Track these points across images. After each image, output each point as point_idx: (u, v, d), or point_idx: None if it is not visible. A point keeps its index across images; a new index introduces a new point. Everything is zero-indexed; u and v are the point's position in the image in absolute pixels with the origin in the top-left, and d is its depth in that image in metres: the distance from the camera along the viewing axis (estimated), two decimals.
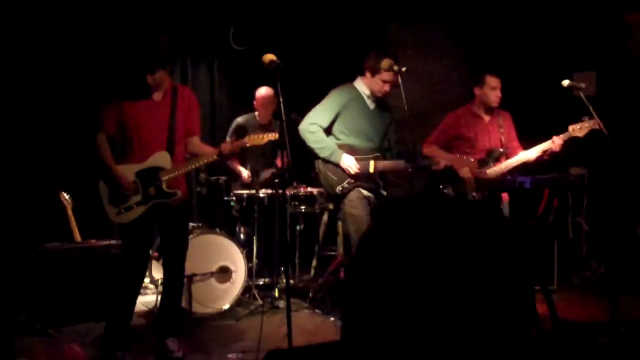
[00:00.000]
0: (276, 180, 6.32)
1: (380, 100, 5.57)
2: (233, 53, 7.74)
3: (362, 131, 5.45)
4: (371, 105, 5.53)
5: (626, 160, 6.93)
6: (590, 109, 5.44)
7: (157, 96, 4.75)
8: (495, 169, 5.85)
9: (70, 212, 6.29)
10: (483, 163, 5.93)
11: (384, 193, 5.61)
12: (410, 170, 5.11)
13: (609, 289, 5.94)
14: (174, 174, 4.75)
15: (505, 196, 5.84)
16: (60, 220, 6.30)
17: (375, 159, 5.41)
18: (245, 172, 6.93)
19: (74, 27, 6.79)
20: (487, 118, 6.08)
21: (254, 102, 7.13)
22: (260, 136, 5.03)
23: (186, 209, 5.02)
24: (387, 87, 5.44)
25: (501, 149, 5.97)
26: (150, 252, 5.47)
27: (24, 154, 6.49)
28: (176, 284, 4.95)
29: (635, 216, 6.75)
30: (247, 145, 4.99)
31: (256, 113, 7.13)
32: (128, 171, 4.69)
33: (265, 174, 6.91)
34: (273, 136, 5.04)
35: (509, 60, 7.62)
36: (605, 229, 7.05)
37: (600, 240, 7.07)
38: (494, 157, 5.93)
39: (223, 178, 6.88)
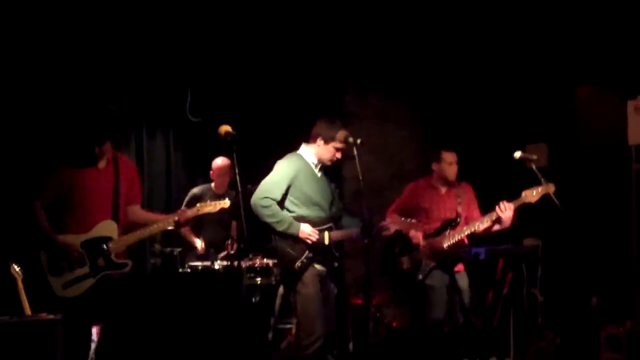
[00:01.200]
0: (232, 252, 6.27)
1: (325, 168, 5.49)
2: (189, 123, 7.75)
3: (313, 201, 5.31)
4: (318, 173, 5.41)
5: (578, 230, 7.04)
6: (542, 181, 5.52)
7: (101, 164, 4.66)
8: (449, 238, 5.85)
9: (20, 285, 6.12)
10: (438, 232, 5.96)
11: (336, 264, 5.50)
12: (365, 241, 5.03)
13: (565, 359, 5.96)
14: (124, 242, 4.64)
15: (461, 266, 5.85)
16: (10, 293, 6.13)
17: (329, 229, 5.29)
18: (199, 244, 6.86)
19: (27, 88, 6.71)
20: (443, 189, 6.14)
21: (210, 172, 7.12)
22: (213, 204, 5.03)
23: (131, 278, 4.79)
24: (338, 155, 5.36)
25: (457, 219, 6.01)
26: None
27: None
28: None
29: (588, 286, 6.82)
30: (199, 212, 4.94)
31: (212, 184, 7.12)
32: (72, 241, 4.52)
33: (221, 255, 6.83)
34: (225, 204, 5.04)
35: (464, 132, 7.75)
36: (560, 300, 7.09)
37: (555, 310, 7.10)
38: (449, 226, 5.96)
39: (178, 249, 6.81)
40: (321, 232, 5.24)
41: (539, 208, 5.73)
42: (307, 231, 5.18)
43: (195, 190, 7.13)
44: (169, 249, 6.83)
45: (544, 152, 7.55)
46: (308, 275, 5.18)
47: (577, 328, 6.67)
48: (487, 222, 5.72)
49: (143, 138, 7.87)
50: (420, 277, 5.82)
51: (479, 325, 5.90)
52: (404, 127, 8.27)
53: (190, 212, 4.93)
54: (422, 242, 5.82)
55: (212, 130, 4.50)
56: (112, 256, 4.59)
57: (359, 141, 5.15)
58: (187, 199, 7.10)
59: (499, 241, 5.91)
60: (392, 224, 5.58)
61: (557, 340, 6.96)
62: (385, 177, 8.08)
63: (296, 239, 5.19)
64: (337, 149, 5.31)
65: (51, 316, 5.64)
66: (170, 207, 7.73)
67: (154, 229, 4.83)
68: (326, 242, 5.25)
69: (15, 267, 6.12)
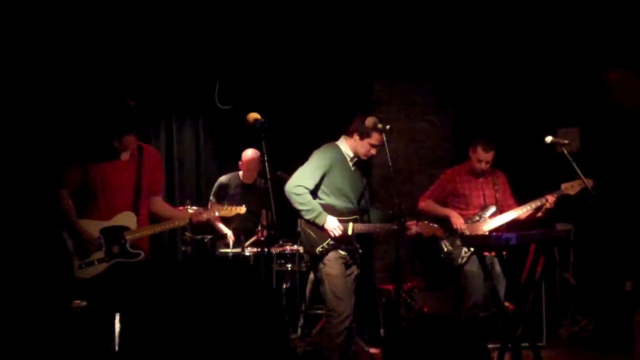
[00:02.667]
0: (262, 239, 6.28)
1: (359, 162, 5.54)
2: (218, 112, 7.77)
3: (343, 192, 5.39)
4: (352, 166, 5.48)
5: (611, 214, 6.97)
6: (574, 165, 5.48)
7: (124, 156, 4.73)
8: (489, 224, 5.94)
9: None
10: (477, 218, 5.99)
11: (360, 251, 5.53)
12: (395, 228, 5.07)
13: (598, 344, 5.92)
14: (140, 234, 4.71)
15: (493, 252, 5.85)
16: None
17: (354, 221, 5.36)
18: (229, 233, 6.88)
19: (54, 80, 6.78)
20: (481, 177, 6.14)
21: (240, 163, 7.13)
22: (229, 209, 5.25)
23: (147, 267, 4.84)
24: (373, 151, 5.40)
25: (495, 206, 6.02)
26: None
27: None
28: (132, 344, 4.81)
29: (622, 270, 6.75)
30: (214, 215, 5.05)
31: (240, 173, 7.13)
32: (92, 226, 4.63)
33: (250, 242, 6.86)
34: (241, 210, 5.17)
35: (493, 116, 7.70)
36: (593, 284, 7.04)
37: (588, 295, 7.05)
38: (488, 213, 5.99)
39: (208, 237, 6.85)
40: (346, 222, 5.31)
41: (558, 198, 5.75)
42: (332, 225, 5.26)
43: (223, 178, 7.15)
44: (199, 237, 6.87)
45: (576, 136, 7.47)
46: (331, 257, 5.27)
47: (610, 313, 6.61)
48: (530, 210, 5.85)
49: (173, 128, 7.91)
50: (460, 262, 5.85)
51: (511, 311, 5.87)
52: (433, 113, 8.22)
53: (205, 215, 5.04)
54: (463, 227, 5.92)
55: (242, 118, 4.52)
56: (127, 245, 4.67)
57: (388, 127, 5.20)
58: (215, 187, 7.12)
59: (530, 226, 5.89)
60: (424, 210, 5.61)
61: (590, 325, 6.92)
62: (414, 163, 8.05)
63: (321, 227, 5.28)
64: (372, 145, 5.35)
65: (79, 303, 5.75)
66: (200, 194, 7.79)
67: (168, 225, 4.93)
68: (349, 232, 5.32)
69: None
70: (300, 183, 5.28)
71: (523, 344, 5.04)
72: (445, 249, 6.03)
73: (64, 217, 4.64)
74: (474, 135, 6.29)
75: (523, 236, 5.04)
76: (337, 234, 5.24)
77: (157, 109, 7.67)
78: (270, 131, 4.35)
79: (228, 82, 7.72)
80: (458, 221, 5.97)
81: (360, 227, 5.40)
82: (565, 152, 5.52)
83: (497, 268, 5.96)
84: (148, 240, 4.87)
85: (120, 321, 4.90)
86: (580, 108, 7.61)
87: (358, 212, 5.43)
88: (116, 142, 4.62)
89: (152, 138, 7.60)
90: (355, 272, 5.44)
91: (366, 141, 5.33)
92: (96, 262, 4.61)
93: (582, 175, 5.52)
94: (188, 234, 6.86)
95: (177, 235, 7.55)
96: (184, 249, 6.99)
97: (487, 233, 5.76)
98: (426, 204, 6.18)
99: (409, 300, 6.88)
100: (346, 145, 5.46)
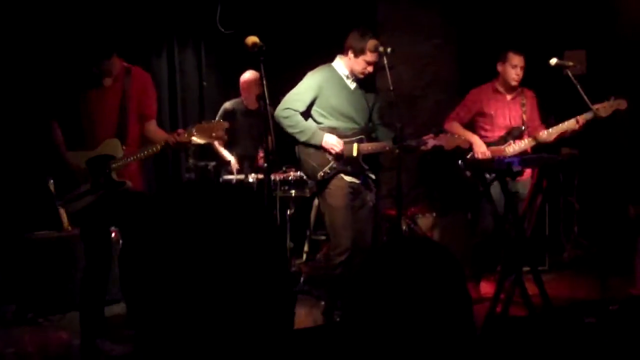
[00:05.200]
0: (264, 165, 6.27)
1: (363, 80, 5.40)
2: (221, 36, 7.67)
3: (343, 112, 5.25)
4: (351, 85, 5.32)
5: (616, 139, 6.93)
6: (578, 87, 5.42)
7: (107, 82, 4.62)
8: (514, 147, 5.84)
9: None
10: (502, 140, 5.90)
11: (373, 176, 5.47)
12: (397, 152, 5.00)
13: (600, 268, 5.95)
14: (123, 162, 4.58)
15: (526, 174, 5.73)
16: (48, 208, 6.25)
17: (359, 141, 5.21)
18: (232, 160, 6.84)
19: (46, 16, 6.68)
20: (509, 96, 6.04)
21: (240, 87, 7.07)
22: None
23: (142, 196, 4.73)
24: (370, 69, 5.26)
25: (522, 127, 5.94)
26: None
27: (11, 141, 6.44)
28: None
29: (626, 195, 6.74)
30: (190, 140, 4.73)
31: (242, 98, 7.07)
32: (78, 158, 4.57)
33: (259, 159, 6.82)
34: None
35: (498, 39, 7.57)
36: (597, 209, 7.05)
37: (592, 220, 7.06)
38: (514, 135, 5.90)
39: (212, 163, 6.84)
40: (350, 143, 5.19)
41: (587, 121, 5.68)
42: (330, 141, 5.13)
43: (227, 104, 7.09)
44: (203, 163, 6.86)
45: (582, 58, 7.37)
46: (334, 187, 5.16)
47: (613, 237, 6.63)
48: (556, 133, 5.73)
49: (175, 53, 7.83)
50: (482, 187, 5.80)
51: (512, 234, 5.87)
52: (438, 36, 8.09)
53: (183, 138, 4.61)
54: (486, 155, 5.76)
55: (244, 42, 4.46)
56: (112, 174, 4.56)
57: (389, 50, 5.07)
58: (219, 113, 7.07)
59: (535, 150, 5.86)
60: (449, 132, 5.51)
61: (593, 249, 6.96)
62: (419, 87, 7.96)
63: (320, 150, 5.16)
64: (368, 62, 5.22)
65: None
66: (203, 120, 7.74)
67: (149, 150, 4.63)
68: (354, 153, 5.17)
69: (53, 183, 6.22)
70: (287, 106, 5.20)
71: (525, 268, 5.06)
72: (468, 174, 5.89)
73: (55, 149, 4.60)
74: (480, 60, 6.21)
75: (526, 160, 5.01)
76: (337, 150, 5.11)
77: (158, 34, 7.57)
78: (273, 55, 4.30)
79: (230, 6, 7.60)
80: (480, 149, 5.80)
81: (367, 146, 5.26)
82: (570, 74, 5.45)
83: (522, 191, 5.83)
84: (138, 170, 4.81)
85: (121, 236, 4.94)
86: (588, 29, 7.48)
87: (364, 132, 5.30)
88: (94, 68, 4.54)
89: (154, 64, 7.52)
90: (370, 202, 5.36)
91: (361, 58, 5.20)
92: (83, 195, 4.56)
93: (586, 98, 5.44)
94: (192, 161, 6.86)
95: (181, 162, 7.55)
96: (187, 175, 6.99)
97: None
98: (450, 125, 6.00)
99: (412, 226, 6.91)
100: (341, 65, 5.33)
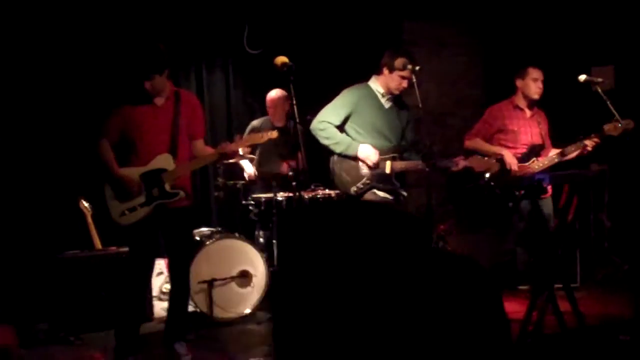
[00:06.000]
0: (293, 183, 6.28)
1: (397, 99, 5.50)
2: (248, 56, 7.73)
3: (378, 130, 5.36)
4: (386, 104, 5.45)
5: None
6: (608, 103, 5.41)
7: (158, 101, 4.79)
8: (539, 163, 5.84)
9: (90, 220, 6.30)
10: (525, 157, 5.89)
11: (405, 194, 5.51)
12: (427, 170, 5.03)
13: (633, 285, 5.88)
14: (177, 174, 4.77)
15: (549, 189, 5.78)
16: (80, 228, 6.32)
17: (392, 159, 5.31)
18: (247, 168, 6.84)
19: (83, 33, 6.78)
20: (529, 112, 6.05)
21: (267, 106, 7.11)
22: (260, 135, 5.14)
23: (191, 212, 5.00)
24: (405, 84, 5.36)
25: (544, 144, 5.94)
26: None
27: (44, 161, 6.52)
28: (182, 287, 4.98)
29: None
30: (247, 144, 5.05)
31: (269, 116, 7.11)
32: (132, 174, 4.73)
33: (282, 167, 6.83)
34: (273, 134, 5.11)
35: (525, 56, 7.56)
36: (628, 225, 6.98)
37: (623, 236, 6.99)
38: (535, 152, 5.89)
39: (241, 182, 6.86)
40: (383, 161, 5.26)
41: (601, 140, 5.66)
42: (366, 152, 5.21)
43: (255, 122, 7.13)
44: (231, 182, 6.88)
45: (610, 74, 7.33)
46: (367, 199, 5.23)
47: None
48: (576, 151, 5.76)
49: (203, 73, 7.89)
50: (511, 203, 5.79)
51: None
52: (463, 53, 8.10)
53: (237, 144, 5.06)
54: (517, 168, 5.79)
55: (271, 62, 4.50)
56: (166, 186, 4.74)
57: (417, 68, 5.14)
58: (247, 131, 7.10)
59: (565, 166, 5.83)
60: (471, 149, 5.54)
61: (624, 266, 6.88)
62: (446, 104, 7.97)
63: (354, 165, 5.25)
64: (403, 77, 5.32)
65: (120, 249, 5.86)
66: (232, 140, 7.77)
67: (202, 161, 5.02)
68: (387, 170, 5.27)
69: (84, 202, 6.30)
70: (323, 119, 5.35)
71: (556, 285, 5.02)
72: (497, 191, 5.88)
73: (105, 166, 4.74)
74: (506, 76, 6.20)
75: (557, 177, 4.99)
76: (374, 160, 5.19)
77: (187, 56, 7.64)
78: (300, 75, 4.33)
79: (257, 26, 7.66)
80: (512, 160, 5.81)
81: (400, 164, 5.36)
82: (600, 90, 5.44)
83: (547, 209, 5.84)
84: (189, 184, 4.97)
85: (170, 264, 5.01)
86: (616, 45, 7.45)
87: (397, 151, 5.39)
88: (147, 84, 4.63)
89: (183, 85, 7.58)
90: None
91: (396, 74, 5.32)
92: (138, 208, 4.72)
93: (616, 114, 5.44)
94: (220, 180, 6.89)
95: (210, 181, 7.58)
96: (216, 194, 7.02)
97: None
98: (474, 142, 6.02)
99: (440, 243, 6.89)
100: (376, 83, 5.45)
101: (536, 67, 5.98)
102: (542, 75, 5.97)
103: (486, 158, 5.42)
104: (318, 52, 7.64)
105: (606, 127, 5.63)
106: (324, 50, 7.75)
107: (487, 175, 5.84)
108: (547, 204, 5.85)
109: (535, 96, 5.96)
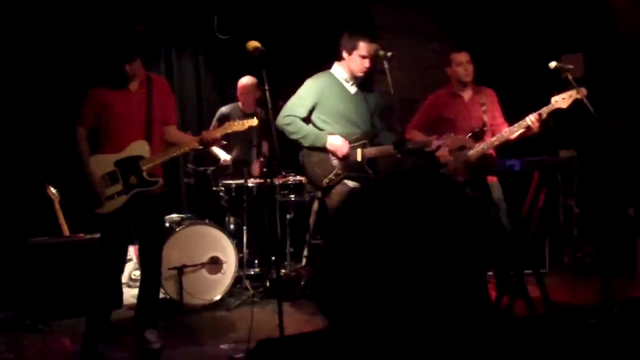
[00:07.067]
0: (264, 169, 6.27)
1: (364, 84, 5.39)
2: (218, 43, 7.67)
3: (345, 117, 5.25)
4: (351, 89, 5.33)
5: (614, 141, 6.93)
6: (575, 85, 5.40)
7: (133, 86, 4.73)
8: (477, 149, 5.66)
9: (57, 206, 6.23)
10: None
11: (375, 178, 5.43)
12: (398, 156, 4.95)
13: (601, 270, 5.94)
14: (154, 162, 4.73)
15: (493, 177, 5.73)
16: (47, 214, 6.24)
17: (362, 146, 5.21)
18: (222, 155, 6.82)
19: (54, 19, 6.70)
20: (466, 96, 5.95)
21: (237, 92, 7.07)
22: (241, 122, 5.08)
23: (163, 199, 4.94)
24: (367, 64, 5.24)
25: (484, 128, 5.86)
26: None
27: (10, 148, 6.43)
28: (153, 275, 4.92)
29: (625, 197, 6.74)
30: (228, 131, 5.00)
31: (239, 102, 7.07)
32: (107, 161, 4.67)
33: (255, 166, 6.84)
34: (253, 122, 5.08)
35: (497, 42, 7.59)
36: (596, 211, 7.05)
37: (591, 222, 7.06)
38: (475, 137, 5.79)
39: (211, 168, 6.83)
40: (354, 148, 5.17)
41: (574, 119, 5.64)
42: (335, 142, 5.10)
43: (224, 109, 7.10)
44: (202, 168, 6.85)
45: (580, 62, 7.38)
46: (336, 192, 5.13)
47: (613, 239, 6.63)
48: (517, 131, 5.51)
49: (172, 58, 7.84)
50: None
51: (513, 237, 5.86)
52: (436, 40, 8.10)
53: (217, 131, 5.03)
54: (448, 157, 5.58)
55: (241, 48, 4.46)
56: (144, 174, 4.70)
57: (389, 54, 5.05)
58: (215, 117, 7.08)
59: (534, 152, 5.84)
60: (410, 141, 5.43)
61: (593, 251, 6.95)
62: (417, 91, 7.94)
63: (324, 157, 5.13)
64: (363, 57, 5.21)
65: (89, 236, 5.80)
66: (201, 126, 7.73)
67: (182, 148, 4.93)
68: (358, 158, 5.17)
69: (52, 189, 6.22)
70: (289, 113, 5.23)
71: (526, 271, 5.05)
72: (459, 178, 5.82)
73: (79, 157, 4.66)
74: (478, 63, 6.20)
75: (527, 162, 5.00)
76: (344, 151, 5.08)
77: (156, 40, 7.55)
78: (270, 61, 4.28)
79: (227, 12, 7.60)
80: (441, 153, 5.56)
81: (371, 151, 5.24)
82: (570, 77, 5.44)
83: (497, 194, 5.76)
84: (161, 170, 4.90)
85: (140, 251, 4.95)
86: (585, 32, 7.50)
87: (366, 137, 5.28)
88: (127, 67, 4.58)
89: (152, 70, 7.50)
90: None
91: (355, 54, 5.22)
92: (116, 196, 4.66)
93: (575, 85, 5.33)
94: (190, 166, 6.85)
95: (179, 167, 7.54)
96: (186, 180, 6.99)
97: (472, 160, 5.62)
98: (412, 134, 5.90)
99: None
100: (339, 69, 5.35)
101: (459, 52, 5.93)
102: (467, 56, 5.91)
103: (460, 135, 5.34)
104: (288, 38, 7.59)
105: (554, 98, 5.37)
106: (294, 36, 7.72)
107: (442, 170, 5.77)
108: (495, 189, 5.74)
109: (466, 79, 5.89)
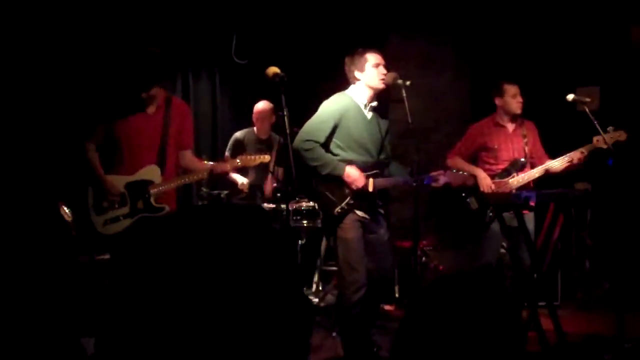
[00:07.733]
0: (278, 195, 6.26)
1: (376, 109, 5.16)
2: (235, 66, 7.72)
3: (360, 144, 5.00)
4: (368, 114, 5.09)
5: (629, 175, 6.90)
6: (595, 123, 5.42)
7: (150, 109, 4.73)
8: (518, 179, 5.83)
9: (71, 225, 6.21)
10: (505, 173, 5.87)
11: (382, 212, 5.24)
12: (414, 184, 4.87)
13: (615, 304, 5.90)
14: (163, 188, 4.72)
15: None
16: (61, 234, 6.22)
17: (374, 176, 4.98)
18: (240, 180, 6.82)
19: (71, 39, 6.73)
20: (510, 127, 6.03)
21: (253, 117, 7.07)
22: (253, 157, 5.11)
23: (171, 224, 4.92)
24: (383, 70, 5.04)
25: (524, 159, 5.92)
26: None
27: (24, 165, 6.44)
28: None
29: (638, 231, 6.71)
30: (238, 166, 5.00)
31: (254, 128, 7.08)
32: (117, 182, 4.66)
33: (266, 186, 6.84)
34: (265, 158, 5.10)
35: (511, 74, 7.59)
36: (609, 245, 7.01)
37: (604, 256, 7.02)
38: (517, 167, 5.87)
39: (225, 192, 6.84)
40: (367, 178, 4.93)
41: (589, 152, 5.66)
42: (354, 175, 4.84)
43: (238, 134, 7.10)
44: (216, 192, 6.86)
45: (596, 95, 7.39)
46: (347, 221, 4.89)
47: (626, 273, 6.59)
48: (561, 165, 5.74)
49: (189, 81, 7.87)
50: (487, 220, 5.77)
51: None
52: (450, 70, 8.12)
53: (228, 164, 5.05)
54: (491, 188, 5.77)
55: (258, 72, 4.48)
56: (151, 199, 4.68)
57: (408, 83, 4.94)
58: (230, 143, 7.08)
59: (549, 185, 5.83)
60: (452, 167, 5.39)
61: (605, 285, 6.91)
62: (431, 120, 7.98)
63: (339, 184, 4.89)
64: (377, 65, 5.03)
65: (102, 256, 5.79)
66: (216, 150, 7.77)
67: (191, 177, 4.91)
68: (370, 189, 4.94)
69: (65, 208, 6.21)
70: (308, 137, 4.87)
71: (540, 304, 5.02)
72: (473, 207, 5.89)
73: (91, 171, 4.67)
74: (490, 94, 6.21)
75: (543, 195, 4.99)
76: (360, 184, 4.85)
77: (174, 63, 7.61)
78: (287, 87, 4.29)
79: (245, 37, 7.65)
80: (484, 182, 5.80)
81: (382, 181, 5.02)
82: (587, 110, 5.45)
83: (531, 225, 5.73)
84: (174, 196, 4.90)
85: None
86: (601, 66, 7.51)
87: (378, 166, 5.07)
88: (144, 93, 4.58)
89: (168, 90, 7.54)
90: (386, 235, 5.09)
91: (367, 67, 5.03)
92: (121, 218, 4.65)
93: (601, 131, 5.43)
94: (205, 189, 6.86)
95: (193, 190, 7.55)
96: (200, 204, 6.99)
97: (514, 191, 5.67)
98: (454, 161, 6.00)
99: (424, 259, 6.88)
100: (356, 91, 5.08)
101: (511, 83, 5.99)
102: (519, 88, 5.98)
103: (461, 172, 5.31)
104: (305, 65, 7.62)
105: (595, 138, 5.57)
106: (310, 63, 7.75)
107: (464, 194, 5.87)
108: (529, 221, 5.78)
109: (518, 111, 5.98)
